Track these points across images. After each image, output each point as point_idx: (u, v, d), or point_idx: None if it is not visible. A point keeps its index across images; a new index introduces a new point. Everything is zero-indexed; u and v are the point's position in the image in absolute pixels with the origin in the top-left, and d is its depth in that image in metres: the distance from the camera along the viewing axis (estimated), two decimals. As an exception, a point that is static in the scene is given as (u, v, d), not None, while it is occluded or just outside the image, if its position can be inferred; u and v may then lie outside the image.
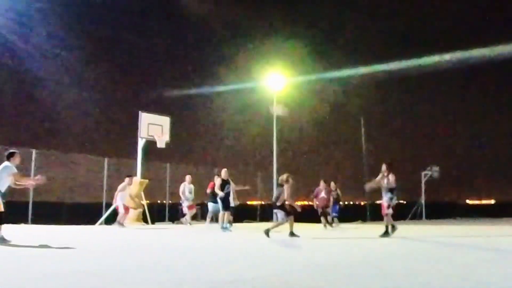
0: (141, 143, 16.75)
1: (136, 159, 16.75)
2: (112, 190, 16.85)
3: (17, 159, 8.80)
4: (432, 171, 25.72)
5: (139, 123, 16.71)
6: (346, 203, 17.80)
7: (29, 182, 9.96)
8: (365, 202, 25.56)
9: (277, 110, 15.52)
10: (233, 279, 4.70)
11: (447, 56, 27.68)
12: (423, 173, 26.00)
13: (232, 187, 14.14)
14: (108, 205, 16.63)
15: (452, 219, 24.04)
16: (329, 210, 14.50)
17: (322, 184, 14.44)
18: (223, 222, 12.25)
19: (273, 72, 21.46)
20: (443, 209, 28.72)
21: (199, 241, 10.35)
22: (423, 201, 25.72)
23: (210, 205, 13.50)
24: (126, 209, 13.95)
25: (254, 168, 24.14)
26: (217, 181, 12.60)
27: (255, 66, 29.26)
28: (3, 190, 8.26)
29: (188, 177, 15.19)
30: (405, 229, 13.48)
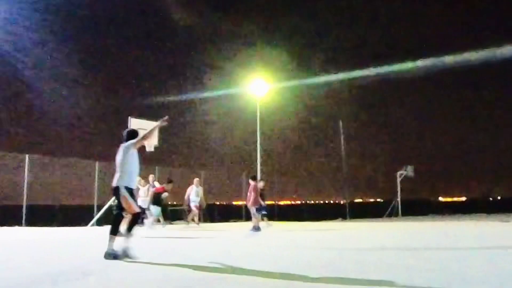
0: (130, 147, 17.28)
1: (126, 162, 17.28)
2: (103, 192, 17.38)
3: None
4: (407, 171, 26.90)
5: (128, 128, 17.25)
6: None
7: (154, 128, 7.21)
8: (345, 201, 26.61)
9: None
10: (223, 277, 4.78)
11: (421, 62, 29.06)
12: (398, 173, 27.19)
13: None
14: (100, 207, 17.17)
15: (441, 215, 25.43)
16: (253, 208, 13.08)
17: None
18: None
19: (257, 78, 22.17)
20: (418, 206, 30.08)
21: (186, 240, 10.67)
22: (399, 199, 26.80)
23: (153, 208, 13.86)
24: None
25: (239, 170, 24.94)
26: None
27: (240, 73, 30.14)
28: (132, 184, 6.53)
29: (196, 180, 16.04)
30: (384, 226, 14.51)
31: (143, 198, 14.83)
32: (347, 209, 25.30)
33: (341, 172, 27.00)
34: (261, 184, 14.44)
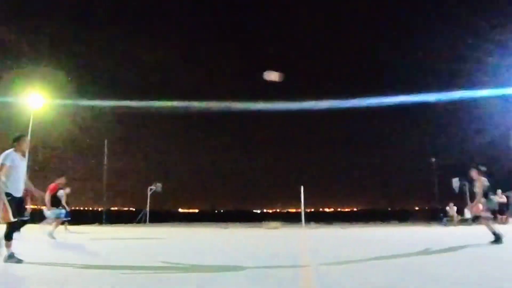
0: None
1: None
2: None
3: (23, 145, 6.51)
4: (156, 186, 31.66)
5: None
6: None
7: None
8: (102, 208, 29.76)
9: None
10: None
11: (170, 103, 36.61)
12: (149, 187, 31.68)
13: None
14: None
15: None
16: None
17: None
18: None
19: (33, 92, 23.33)
20: (163, 215, 35.92)
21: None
22: (147, 209, 31.03)
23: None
24: None
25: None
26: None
27: (17, 84, 30.21)
28: (7, 189, 6.09)
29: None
30: (135, 230, 17.94)
31: None
32: (104, 215, 28.48)
33: (102, 182, 30.28)
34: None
